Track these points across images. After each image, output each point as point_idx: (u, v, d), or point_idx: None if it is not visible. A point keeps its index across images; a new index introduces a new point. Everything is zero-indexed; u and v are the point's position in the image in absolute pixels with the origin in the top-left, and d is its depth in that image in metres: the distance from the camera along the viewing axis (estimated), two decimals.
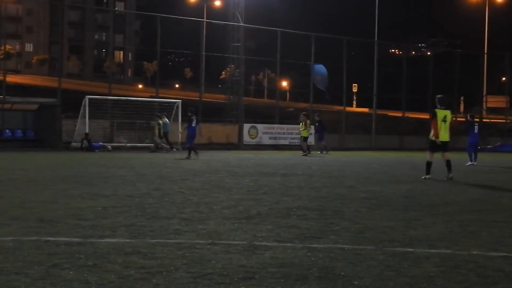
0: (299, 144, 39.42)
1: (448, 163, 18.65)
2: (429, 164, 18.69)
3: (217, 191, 13.77)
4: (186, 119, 30.89)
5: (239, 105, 48.82)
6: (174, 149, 36.51)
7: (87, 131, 37.55)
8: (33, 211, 10.06)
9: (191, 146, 29.41)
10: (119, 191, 13.26)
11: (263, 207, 11.07)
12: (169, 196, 12.57)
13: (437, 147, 18.80)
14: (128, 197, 12.24)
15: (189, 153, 28.79)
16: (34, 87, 68.72)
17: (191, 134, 29.56)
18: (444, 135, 18.70)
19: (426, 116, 47.28)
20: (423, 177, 18.42)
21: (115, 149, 38.29)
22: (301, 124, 37.63)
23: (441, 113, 18.65)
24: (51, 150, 35.88)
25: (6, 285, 5.54)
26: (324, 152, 37.32)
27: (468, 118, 29.80)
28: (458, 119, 57.18)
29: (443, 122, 18.59)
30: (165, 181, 16.05)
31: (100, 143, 37.75)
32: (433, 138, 18.69)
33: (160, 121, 37.78)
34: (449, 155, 18.84)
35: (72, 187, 14.02)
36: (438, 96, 19.31)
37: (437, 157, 18.94)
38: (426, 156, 18.90)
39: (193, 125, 29.53)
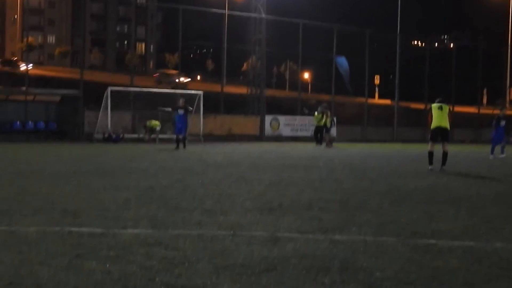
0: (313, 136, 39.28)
1: (445, 155, 18.68)
2: (430, 154, 18.81)
3: (239, 183, 13.77)
4: (187, 109, 29.96)
5: (260, 97, 48.79)
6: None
7: (109, 123, 37.77)
8: (56, 202, 10.12)
9: (184, 136, 29.32)
10: (141, 183, 13.30)
11: (285, 199, 11.05)
12: (191, 188, 12.58)
13: (436, 135, 18.80)
14: (150, 189, 12.28)
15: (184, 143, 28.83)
16: (56, 79, 69.06)
17: (186, 125, 29.32)
18: (441, 121, 18.73)
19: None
20: (428, 168, 18.37)
21: (134, 140, 38.49)
22: (318, 114, 37.37)
23: (435, 105, 19.00)
24: (73, 142, 36.10)
25: (30, 276, 5.58)
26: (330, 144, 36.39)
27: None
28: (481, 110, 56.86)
29: (439, 110, 18.84)
30: (187, 174, 16.09)
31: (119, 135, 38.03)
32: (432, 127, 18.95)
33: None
34: (448, 148, 18.92)
35: (95, 179, 14.10)
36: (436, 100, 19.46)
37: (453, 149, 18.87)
38: (430, 147, 19.01)
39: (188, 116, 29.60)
